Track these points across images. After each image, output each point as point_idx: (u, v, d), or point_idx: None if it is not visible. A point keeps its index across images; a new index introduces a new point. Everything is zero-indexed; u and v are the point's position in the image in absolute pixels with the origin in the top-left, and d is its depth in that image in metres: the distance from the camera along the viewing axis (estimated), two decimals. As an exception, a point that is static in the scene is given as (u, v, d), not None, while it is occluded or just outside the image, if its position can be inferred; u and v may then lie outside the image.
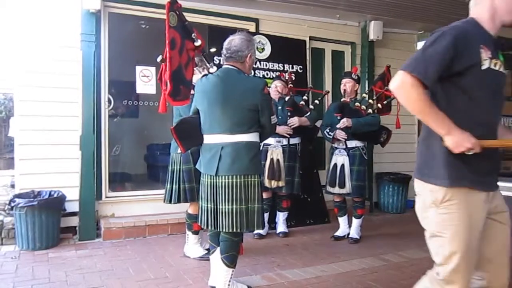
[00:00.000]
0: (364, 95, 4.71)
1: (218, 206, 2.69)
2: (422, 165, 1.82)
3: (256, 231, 4.34)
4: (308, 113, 4.53)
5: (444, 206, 1.72)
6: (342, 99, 4.52)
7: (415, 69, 1.63)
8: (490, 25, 1.77)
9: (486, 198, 1.74)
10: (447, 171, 1.71)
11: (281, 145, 4.41)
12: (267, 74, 5.29)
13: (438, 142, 1.71)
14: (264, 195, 4.13)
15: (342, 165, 4.32)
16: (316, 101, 4.75)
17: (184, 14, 3.06)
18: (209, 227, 2.77)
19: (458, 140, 1.63)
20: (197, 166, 2.91)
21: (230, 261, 2.76)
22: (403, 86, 1.65)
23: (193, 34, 3.03)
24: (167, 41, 2.78)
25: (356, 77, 4.52)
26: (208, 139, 2.77)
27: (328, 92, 5.25)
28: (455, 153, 1.67)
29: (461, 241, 1.69)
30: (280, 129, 4.28)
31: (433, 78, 1.65)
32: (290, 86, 4.77)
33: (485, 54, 1.68)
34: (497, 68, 1.73)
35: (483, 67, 1.68)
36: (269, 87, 4.37)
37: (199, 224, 2.89)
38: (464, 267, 1.70)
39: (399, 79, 1.66)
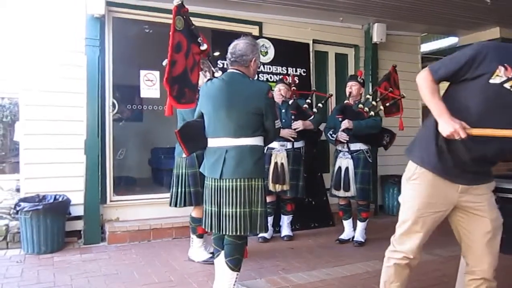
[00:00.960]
0: (368, 96, 4.71)
1: (222, 209, 2.69)
2: (411, 144, 2.22)
3: (260, 235, 4.35)
4: (312, 117, 4.53)
5: (411, 183, 2.13)
6: (345, 101, 4.52)
7: (432, 66, 2.00)
8: None
9: (455, 188, 2.03)
10: (420, 153, 2.10)
11: (285, 149, 4.40)
12: (270, 78, 5.29)
13: (427, 130, 2.06)
14: (268, 199, 4.12)
15: (347, 168, 4.31)
16: (320, 105, 4.75)
17: (188, 18, 3.07)
18: (213, 230, 2.77)
19: (443, 124, 1.86)
20: (201, 170, 2.92)
21: (235, 264, 2.76)
22: (418, 76, 2.03)
23: (199, 38, 3.03)
24: (170, 44, 2.79)
25: (362, 81, 4.53)
26: (212, 142, 2.78)
27: (332, 95, 5.24)
28: (433, 142, 2.00)
29: (413, 213, 2.08)
30: (284, 133, 4.27)
31: (441, 76, 1.97)
32: (293, 89, 4.77)
33: (502, 72, 1.83)
34: None
35: (491, 81, 1.84)
36: (273, 90, 4.38)
37: (203, 227, 2.89)
38: (412, 233, 2.09)
39: (420, 72, 2.05)
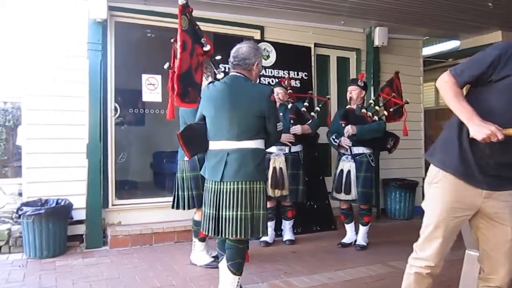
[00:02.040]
0: (370, 101, 4.69)
1: (220, 212, 2.69)
2: (433, 147, 2.13)
3: (262, 239, 4.33)
4: (310, 121, 4.51)
5: (433, 187, 2.06)
6: (347, 107, 4.51)
7: (455, 69, 1.92)
8: None
9: (479, 192, 1.96)
10: (442, 156, 2.03)
11: (283, 153, 4.38)
12: (272, 81, 5.29)
13: (449, 132, 1.99)
14: (268, 204, 4.10)
15: (349, 171, 4.30)
16: (317, 108, 4.73)
17: (191, 21, 3.07)
18: (211, 233, 2.76)
19: (476, 127, 1.74)
20: (201, 172, 2.92)
21: (236, 268, 2.76)
22: (439, 81, 1.94)
23: (202, 39, 3.04)
24: (179, 44, 2.79)
25: (363, 84, 4.50)
26: (214, 145, 2.78)
27: (329, 98, 5.23)
28: (456, 145, 1.93)
29: (435, 218, 2.02)
30: (282, 137, 4.24)
31: (465, 80, 1.89)
32: (290, 92, 4.74)
33: None
34: None
35: None
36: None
37: (201, 230, 2.89)
38: (434, 238, 2.02)
39: (441, 76, 1.94)
